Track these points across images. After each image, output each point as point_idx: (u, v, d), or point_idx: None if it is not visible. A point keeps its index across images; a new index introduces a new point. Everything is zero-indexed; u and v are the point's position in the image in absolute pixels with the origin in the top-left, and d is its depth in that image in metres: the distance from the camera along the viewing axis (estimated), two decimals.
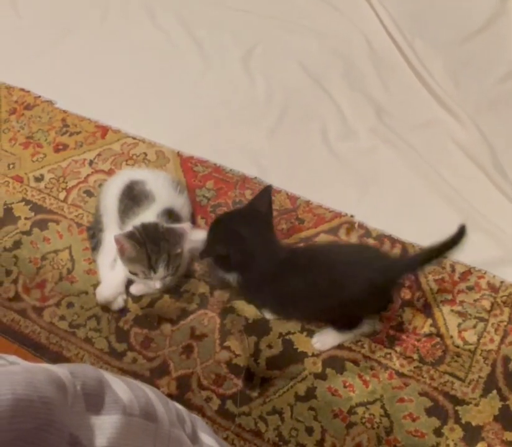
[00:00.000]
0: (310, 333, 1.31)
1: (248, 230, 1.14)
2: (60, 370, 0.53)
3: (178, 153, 1.66)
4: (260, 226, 1.17)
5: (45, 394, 0.47)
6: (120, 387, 0.62)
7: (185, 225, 1.29)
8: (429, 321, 1.30)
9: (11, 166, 1.68)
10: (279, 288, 1.13)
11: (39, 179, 1.64)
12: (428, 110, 1.69)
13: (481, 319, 1.30)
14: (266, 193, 1.20)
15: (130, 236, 1.24)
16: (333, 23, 1.93)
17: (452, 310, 1.31)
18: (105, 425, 0.54)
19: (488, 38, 1.82)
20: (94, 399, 0.56)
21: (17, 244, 1.52)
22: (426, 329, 1.29)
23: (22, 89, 1.86)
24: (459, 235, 1.08)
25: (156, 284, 1.27)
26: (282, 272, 1.12)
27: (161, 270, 1.25)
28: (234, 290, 1.34)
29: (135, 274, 1.28)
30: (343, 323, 1.24)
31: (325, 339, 1.28)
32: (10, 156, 1.71)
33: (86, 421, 0.53)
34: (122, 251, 1.25)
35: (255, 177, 1.58)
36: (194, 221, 1.50)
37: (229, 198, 1.55)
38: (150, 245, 1.24)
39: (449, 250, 1.10)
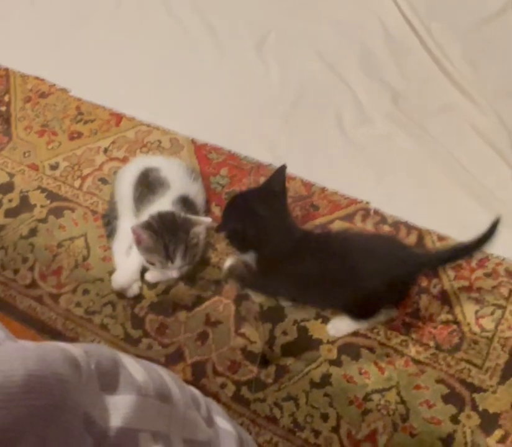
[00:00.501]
0: (326, 320, 1.31)
1: (263, 207, 1.15)
2: (74, 348, 0.53)
3: (192, 140, 1.65)
4: (275, 205, 1.17)
5: (59, 371, 0.47)
6: (135, 367, 0.62)
7: (204, 218, 1.30)
8: (446, 308, 1.29)
9: (27, 154, 1.69)
10: (294, 269, 1.13)
11: (54, 167, 1.65)
12: (445, 96, 1.67)
13: (499, 306, 1.28)
14: (281, 172, 1.20)
15: (147, 226, 1.25)
16: (349, 8, 1.90)
17: (469, 297, 1.30)
18: (119, 405, 0.54)
19: (507, 20, 1.79)
20: (109, 379, 0.56)
21: (33, 232, 1.53)
22: (443, 316, 1.28)
23: (37, 77, 1.87)
24: (489, 233, 1.06)
25: (173, 273, 1.28)
26: (297, 252, 1.12)
27: (178, 260, 1.25)
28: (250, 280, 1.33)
29: (152, 263, 1.28)
30: (358, 312, 1.23)
31: (340, 326, 1.28)
32: (25, 144, 1.72)
33: (100, 401, 0.53)
34: (138, 241, 1.26)
35: (270, 164, 1.57)
36: (208, 209, 1.50)
37: (243, 185, 1.54)
38: (167, 235, 1.24)
39: (477, 249, 1.08)
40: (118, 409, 0.54)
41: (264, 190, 1.21)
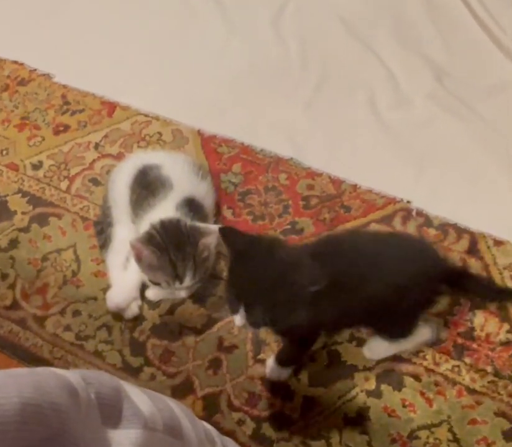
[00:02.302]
0: (361, 343, 1.31)
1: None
2: (71, 375, 0.53)
3: (199, 131, 1.67)
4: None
5: (56, 400, 0.47)
6: (141, 397, 0.62)
7: (215, 227, 1.29)
8: (505, 326, 1.29)
9: (4, 152, 1.72)
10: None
11: (37, 166, 1.67)
12: (499, 72, 1.67)
13: None
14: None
15: (149, 240, 1.24)
16: None
17: None
18: (123, 441, 0.54)
19: None
20: (111, 410, 0.56)
21: (14, 244, 1.55)
22: (502, 336, 1.28)
23: (15, 62, 1.90)
24: None
25: (182, 293, 1.29)
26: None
27: (188, 279, 1.25)
28: None
29: (156, 283, 1.28)
30: (387, 329, 1.23)
31: (377, 347, 1.28)
32: (2, 140, 1.75)
33: (101, 435, 0.53)
34: (139, 258, 1.25)
35: (291, 158, 1.58)
36: (219, 212, 1.51)
37: (260, 183, 1.55)
38: (173, 250, 1.24)
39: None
40: (122, 445, 0.54)
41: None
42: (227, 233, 1.01)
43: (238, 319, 0.99)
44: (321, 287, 0.95)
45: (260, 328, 1.01)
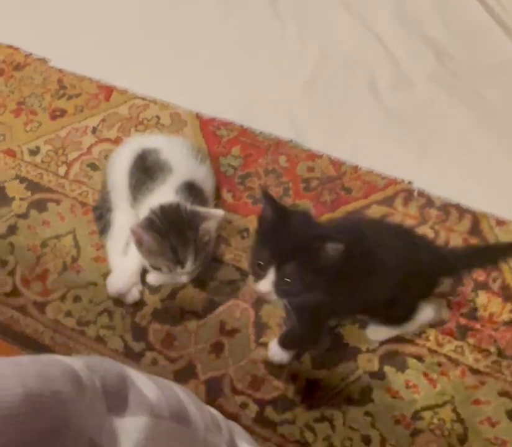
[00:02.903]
0: (364, 325, 1.31)
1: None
2: (75, 362, 0.52)
3: (197, 114, 1.66)
4: None
5: (60, 389, 0.46)
6: (146, 384, 0.61)
7: (215, 211, 1.30)
8: (509, 306, 1.29)
9: (1, 138, 1.71)
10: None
11: (34, 152, 1.67)
12: (501, 52, 1.67)
13: None
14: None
15: (149, 225, 1.24)
16: None
17: None
18: (130, 429, 0.54)
19: None
20: (116, 398, 0.56)
21: (13, 230, 1.55)
22: (505, 316, 1.28)
23: (10, 46, 1.89)
24: None
25: (183, 278, 1.29)
26: None
27: (189, 264, 1.25)
28: None
29: (157, 268, 1.29)
30: (388, 317, 1.24)
31: (380, 329, 1.28)
32: None
33: (107, 424, 0.53)
34: (140, 243, 1.26)
35: (290, 140, 1.58)
36: (218, 196, 1.51)
37: (260, 166, 1.55)
38: (173, 235, 1.24)
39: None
40: (129, 433, 0.54)
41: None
42: (268, 195, 1.02)
43: (264, 284, 0.99)
44: (344, 259, 0.97)
45: (284, 294, 1.02)
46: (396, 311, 1.22)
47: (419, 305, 1.23)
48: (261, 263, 1.00)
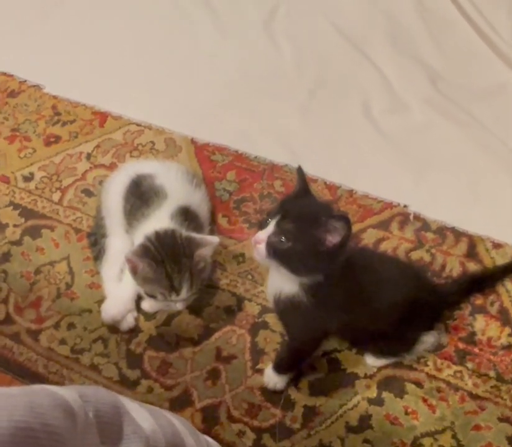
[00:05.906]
0: (361, 350, 1.32)
1: None
2: (67, 393, 0.53)
3: (192, 139, 1.69)
4: None
5: (50, 422, 0.47)
6: (141, 414, 0.61)
7: (211, 238, 1.31)
8: (507, 330, 1.30)
9: None
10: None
11: (28, 178, 1.69)
12: (494, 74, 1.70)
13: None
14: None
15: (144, 253, 1.25)
16: None
17: None
18: None
19: None
20: (110, 428, 0.56)
21: (6, 257, 1.56)
22: (504, 339, 1.29)
23: (4, 73, 1.92)
24: None
25: (178, 305, 1.30)
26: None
27: (184, 291, 1.26)
28: None
29: (152, 296, 1.30)
30: (383, 346, 1.26)
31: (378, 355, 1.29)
32: None
33: None
34: (134, 271, 1.27)
35: (286, 165, 1.60)
36: (214, 221, 1.52)
37: (255, 191, 1.57)
38: (169, 262, 1.25)
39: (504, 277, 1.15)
40: None
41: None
42: (302, 171, 1.10)
43: (261, 233, 1.02)
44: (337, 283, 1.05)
45: (272, 253, 1.02)
46: (394, 344, 1.25)
47: (419, 337, 1.26)
48: (268, 218, 1.05)
